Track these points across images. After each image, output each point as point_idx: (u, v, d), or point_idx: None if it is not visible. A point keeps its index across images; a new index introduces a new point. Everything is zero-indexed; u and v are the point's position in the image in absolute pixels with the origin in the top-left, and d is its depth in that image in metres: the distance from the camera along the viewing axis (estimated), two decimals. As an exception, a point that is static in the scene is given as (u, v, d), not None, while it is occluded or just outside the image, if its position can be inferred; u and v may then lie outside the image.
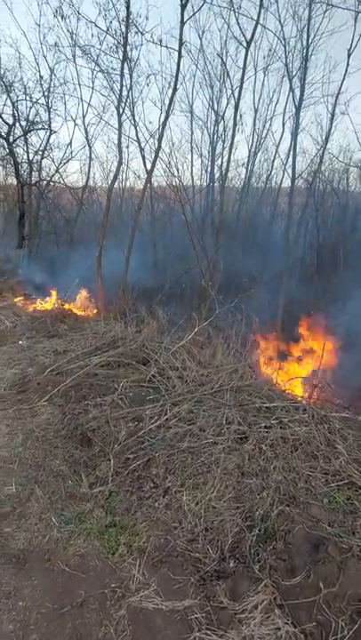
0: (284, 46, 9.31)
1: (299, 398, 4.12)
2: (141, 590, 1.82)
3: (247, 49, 6.94)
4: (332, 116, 10.38)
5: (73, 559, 1.98)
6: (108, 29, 7.34)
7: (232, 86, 10.92)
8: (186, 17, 6.82)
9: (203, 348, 5.17)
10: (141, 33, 7.33)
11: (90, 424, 3.25)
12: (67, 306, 7.61)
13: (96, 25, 7.48)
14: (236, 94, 7.74)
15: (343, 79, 9.54)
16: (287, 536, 2.09)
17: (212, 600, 1.78)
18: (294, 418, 3.38)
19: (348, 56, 8.93)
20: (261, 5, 7.39)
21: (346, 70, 9.18)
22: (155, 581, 1.86)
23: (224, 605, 1.75)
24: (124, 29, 7.05)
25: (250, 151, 13.60)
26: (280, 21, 8.94)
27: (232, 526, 2.15)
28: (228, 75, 10.44)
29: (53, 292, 8.20)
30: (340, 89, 9.86)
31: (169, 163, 11.24)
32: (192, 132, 13.31)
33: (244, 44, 6.89)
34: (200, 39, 10.96)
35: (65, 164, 12.32)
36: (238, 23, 7.04)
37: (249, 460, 2.76)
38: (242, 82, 7.33)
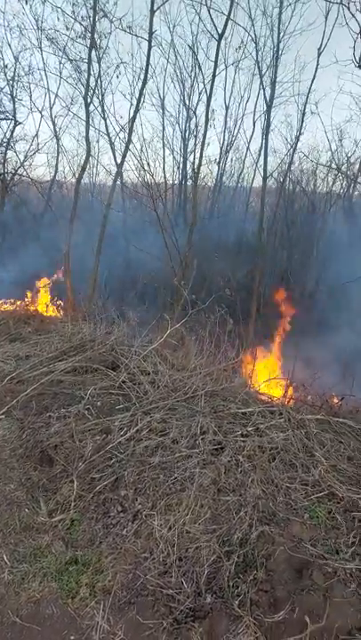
0: (255, 43, 9.26)
1: (275, 401, 3.99)
2: (106, 641, 1.57)
3: (219, 42, 6.80)
4: (303, 115, 10.45)
5: (26, 607, 1.70)
6: (74, 14, 6.91)
7: (204, 80, 10.75)
8: (155, 6, 6.56)
9: (175, 351, 4.96)
10: (110, 20, 6.97)
11: (51, 440, 2.94)
12: (32, 306, 7.13)
13: (62, 10, 7.04)
14: (208, 88, 7.58)
15: (313, 78, 9.63)
16: (268, 562, 1.92)
17: (186, 646, 1.57)
18: (271, 424, 3.24)
19: (319, 55, 8.99)
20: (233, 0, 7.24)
21: (316, 69, 9.26)
22: (121, 629, 1.62)
23: (201, 652, 1.55)
24: (91, 14, 6.66)
25: (221, 149, 13.52)
26: (251, 17, 8.86)
27: (208, 554, 1.95)
28: (200, 68, 10.24)
29: (17, 291, 7.69)
30: (310, 88, 9.95)
31: (140, 158, 10.96)
32: (163, 128, 12.98)
33: (216, 36, 6.74)
34: (171, 33, 10.61)
35: (31, 156, 11.70)
36: (211, 16, 6.91)
37: (225, 474, 2.57)
38: (213, 76, 7.19)
